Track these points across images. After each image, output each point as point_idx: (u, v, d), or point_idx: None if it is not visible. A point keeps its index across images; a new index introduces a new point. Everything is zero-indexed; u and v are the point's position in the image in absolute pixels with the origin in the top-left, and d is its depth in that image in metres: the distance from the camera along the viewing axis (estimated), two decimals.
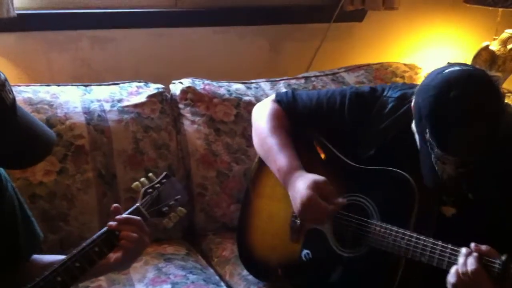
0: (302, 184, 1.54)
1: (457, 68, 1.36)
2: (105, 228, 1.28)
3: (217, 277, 1.87)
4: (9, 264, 1.18)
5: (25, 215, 1.34)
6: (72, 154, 1.88)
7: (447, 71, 1.36)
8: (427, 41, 2.79)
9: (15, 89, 1.31)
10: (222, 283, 1.83)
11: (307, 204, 1.52)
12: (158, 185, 1.38)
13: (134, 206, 1.34)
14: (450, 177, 1.36)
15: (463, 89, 1.31)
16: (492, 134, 1.33)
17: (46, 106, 1.92)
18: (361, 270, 1.54)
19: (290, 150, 1.64)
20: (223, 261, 1.95)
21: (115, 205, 1.32)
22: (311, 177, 1.55)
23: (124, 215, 1.30)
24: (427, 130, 1.35)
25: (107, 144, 1.94)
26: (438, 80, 1.35)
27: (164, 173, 1.42)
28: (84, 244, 1.24)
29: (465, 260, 1.30)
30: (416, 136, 1.44)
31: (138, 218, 1.30)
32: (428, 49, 2.80)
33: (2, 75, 1.10)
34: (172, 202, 1.38)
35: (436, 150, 1.34)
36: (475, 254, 1.30)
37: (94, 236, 1.26)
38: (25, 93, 1.94)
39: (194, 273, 1.82)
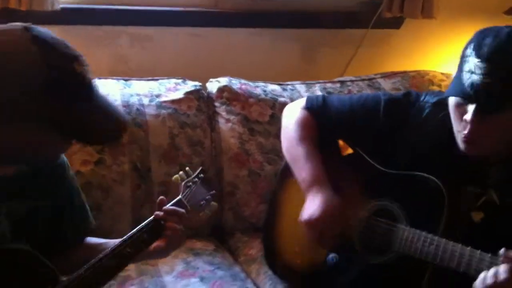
0: (318, 201, 1.56)
1: None
2: (151, 217, 1.32)
3: (243, 275, 1.88)
4: (61, 246, 1.25)
5: (81, 202, 1.39)
6: (110, 146, 1.91)
7: None
8: None
9: None
10: (249, 281, 1.85)
11: (314, 224, 1.55)
12: (196, 179, 1.43)
13: (177, 198, 1.38)
14: (474, 85, 1.35)
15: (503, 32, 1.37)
16: None
17: None
18: (388, 275, 1.53)
19: (315, 161, 1.64)
20: (250, 259, 1.96)
21: (161, 197, 1.37)
22: (329, 199, 1.56)
23: (170, 207, 1.35)
24: (467, 46, 1.39)
25: (144, 138, 1.97)
26: None
27: (200, 168, 1.48)
28: (133, 231, 1.29)
29: (496, 269, 1.29)
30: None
31: (183, 210, 1.35)
32: None
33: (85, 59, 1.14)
34: (208, 197, 1.44)
35: (468, 57, 1.37)
36: (507, 263, 1.29)
37: (143, 224, 1.30)
38: None
39: (222, 269, 1.84)
